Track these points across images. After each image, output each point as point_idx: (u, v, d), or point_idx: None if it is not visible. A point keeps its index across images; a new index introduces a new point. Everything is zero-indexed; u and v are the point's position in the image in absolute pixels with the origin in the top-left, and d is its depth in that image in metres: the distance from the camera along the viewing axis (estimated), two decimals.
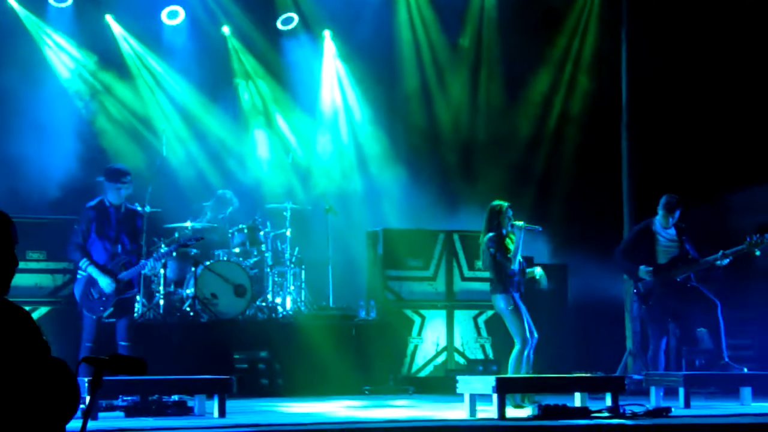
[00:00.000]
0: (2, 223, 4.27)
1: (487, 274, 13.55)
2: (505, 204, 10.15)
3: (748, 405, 10.39)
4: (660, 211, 11.37)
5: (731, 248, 10.95)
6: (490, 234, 10.05)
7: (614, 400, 8.99)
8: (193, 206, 13.63)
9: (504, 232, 10.05)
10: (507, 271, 9.95)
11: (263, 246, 13.40)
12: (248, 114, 15.43)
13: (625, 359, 13.35)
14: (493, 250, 9.98)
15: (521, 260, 10.14)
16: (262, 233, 13.44)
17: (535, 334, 10.04)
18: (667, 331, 11.41)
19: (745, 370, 10.88)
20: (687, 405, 10.03)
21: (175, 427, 8.07)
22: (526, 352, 9.90)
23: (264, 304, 13.16)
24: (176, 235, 12.81)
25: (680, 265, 11.12)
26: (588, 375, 10.09)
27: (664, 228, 11.30)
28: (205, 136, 14.97)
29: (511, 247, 10.05)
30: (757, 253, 10.85)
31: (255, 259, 13.23)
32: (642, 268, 11.26)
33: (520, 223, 10.07)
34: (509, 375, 9.77)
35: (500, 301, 10.03)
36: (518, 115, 16.03)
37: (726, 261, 10.93)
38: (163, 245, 12.19)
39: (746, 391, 10.51)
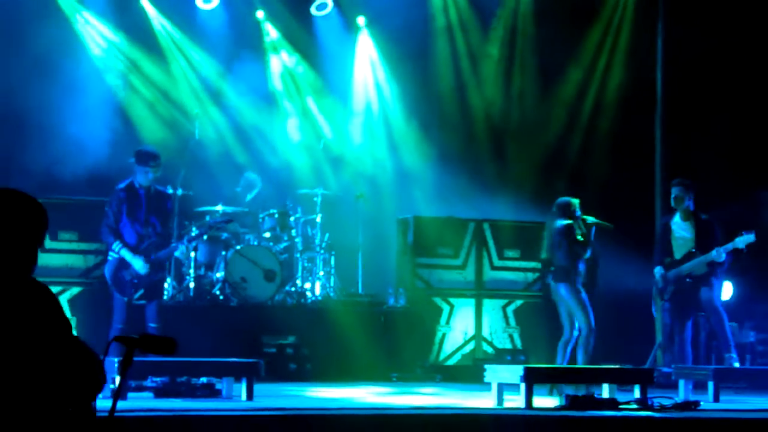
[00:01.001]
0: (26, 208, 4.30)
1: (516, 264, 13.90)
2: (576, 201, 10.47)
3: None
4: (673, 199, 11.29)
5: (725, 245, 10.87)
6: (567, 221, 10.27)
7: (643, 392, 8.98)
8: (224, 190, 13.67)
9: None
10: (579, 259, 10.20)
11: (293, 231, 13.45)
12: (281, 99, 15.47)
13: (654, 352, 13.23)
14: (568, 237, 10.22)
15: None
16: (292, 218, 13.49)
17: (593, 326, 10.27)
18: (691, 324, 11.34)
19: (736, 364, 10.82)
20: (716, 399, 10.00)
21: (203, 409, 8.14)
22: (588, 341, 10.19)
23: (293, 289, 13.22)
24: (207, 218, 12.87)
25: (687, 260, 11.07)
26: (617, 367, 10.06)
27: (682, 220, 11.22)
28: (237, 120, 15.01)
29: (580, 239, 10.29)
30: (742, 247, 10.74)
31: (285, 244, 13.29)
32: (656, 269, 11.25)
33: (591, 218, 10.38)
34: (569, 363, 10.10)
35: (565, 290, 10.28)
36: (551, 104, 15.97)
37: (723, 257, 10.83)
38: (194, 228, 12.25)
39: None
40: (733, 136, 15.73)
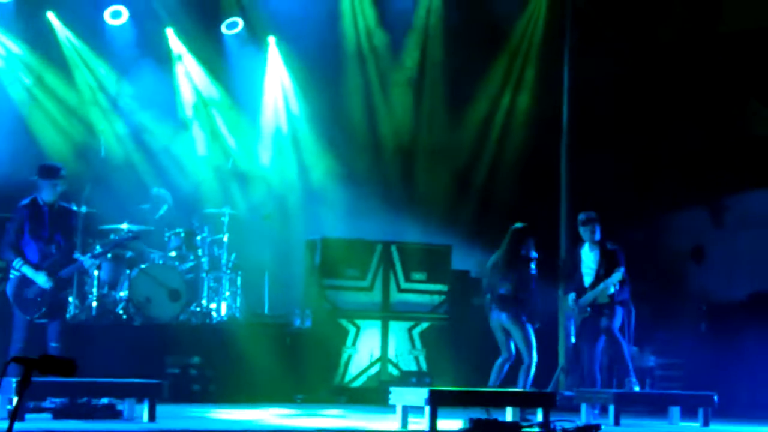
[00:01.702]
0: None
1: (423, 286, 13.96)
2: (531, 227, 10.82)
3: (676, 424, 10.54)
4: (580, 231, 11.53)
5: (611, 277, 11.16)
6: (535, 254, 10.57)
7: (545, 415, 9.06)
8: (129, 208, 13.49)
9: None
10: (528, 289, 10.50)
11: (200, 251, 13.35)
12: (189, 118, 15.33)
13: (557, 375, 13.44)
14: (522, 267, 10.49)
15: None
16: (199, 238, 13.39)
17: (513, 353, 10.62)
18: (599, 349, 11.52)
19: (636, 388, 11.05)
20: (617, 423, 10.15)
21: (102, 431, 7.99)
22: (529, 370, 10.50)
23: (198, 309, 13.12)
24: (112, 236, 12.71)
25: (591, 289, 11.32)
26: (520, 390, 10.16)
27: (590, 250, 11.44)
28: (144, 137, 14.86)
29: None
30: (615, 282, 11.13)
31: (191, 264, 13.18)
32: (570, 296, 11.48)
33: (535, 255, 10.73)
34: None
35: (519, 317, 10.51)
36: (460, 129, 16.09)
37: (612, 290, 11.12)
38: (98, 246, 12.07)
39: (675, 411, 10.66)
40: (635, 163, 16.05)
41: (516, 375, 10.62)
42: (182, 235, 13.24)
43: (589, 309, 11.28)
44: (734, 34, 14.32)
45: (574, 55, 14.60)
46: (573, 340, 12.68)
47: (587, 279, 11.42)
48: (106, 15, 14.54)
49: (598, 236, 11.37)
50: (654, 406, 11.96)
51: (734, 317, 14.36)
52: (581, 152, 14.73)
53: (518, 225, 10.81)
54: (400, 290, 13.93)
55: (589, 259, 11.45)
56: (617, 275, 11.08)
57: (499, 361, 10.68)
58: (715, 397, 10.49)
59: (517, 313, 10.51)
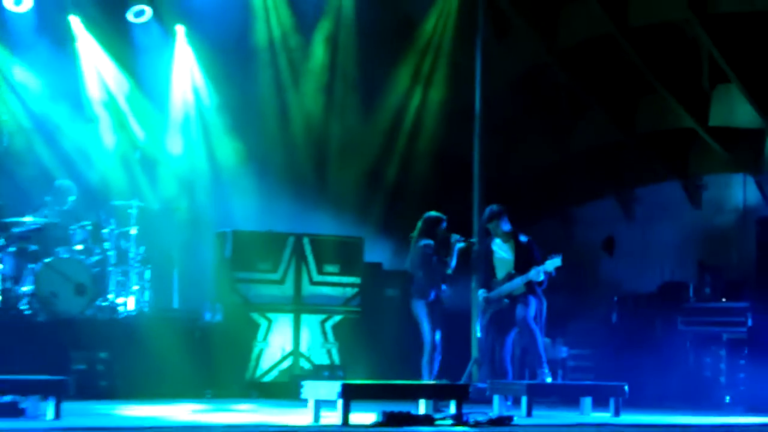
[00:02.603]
0: None
1: (335, 279, 13.94)
2: (443, 217, 11.05)
3: (588, 414, 10.61)
4: (489, 226, 11.55)
5: (541, 265, 11.20)
6: (428, 241, 10.76)
7: (458, 407, 9.05)
8: (33, 201, 13.21)
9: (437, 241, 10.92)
10: (438, 277, 10.74)
11: (107, 244, 13.15)
12: (96, 107, 15.05)
13: (470, 368, 13.45)
14: (431, 252, 10.79)
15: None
16: (106, 231, 13.20)
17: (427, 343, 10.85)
18: (510, 341, 11.56)
19: (548, 380, 11.14)
20: (529, 414, 10.19)
21: (4, 430, 7.76)
22: (432, 358, 10.79)
23: (105, 303, 12.93)
24: (14, 230, 12.44)
25: (506, 280, 11.33)
26: (433, 383, 10.15)
27: (502, 242, 11.44)
28: (48, 127, 14.56)
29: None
30: (551, 270, 11.17)
31: (98, 258, 12.98)
32: (480, 291, 11.50)
33: (456, 236, 11.01)
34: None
35: (417, 307, 10.81)
36: (373, 119, 16.09)
37: (542, 277, 11.18)
38: (1, 239, 11.78)
39: (587, 401, 10.74)
40: (547, 156, 16.20)
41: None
42: (89, 228, 13.01)
43: (506, 301, 11.27)
44: (644, 28, 14.50)
45: (487, 48, 14.65)
46: (479, 334, 12.73)
47: (500, 271, 11.40)
48: (7, 2, 14.15)
49: (507, 227, 11.38)
50: (566, 397, 12.02)
51: (644, 308, 14.55)
52: (493, 145, 14.79)
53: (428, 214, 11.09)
54: (313, 283, 13.88)
55: (502, 251, 11.45)
56: (555, 261, 11.02)
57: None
58: (626, 388, 10.58)
59: (413, 301, 10.82)
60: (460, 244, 11.14)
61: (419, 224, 11.22)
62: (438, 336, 11.12)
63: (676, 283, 14.83)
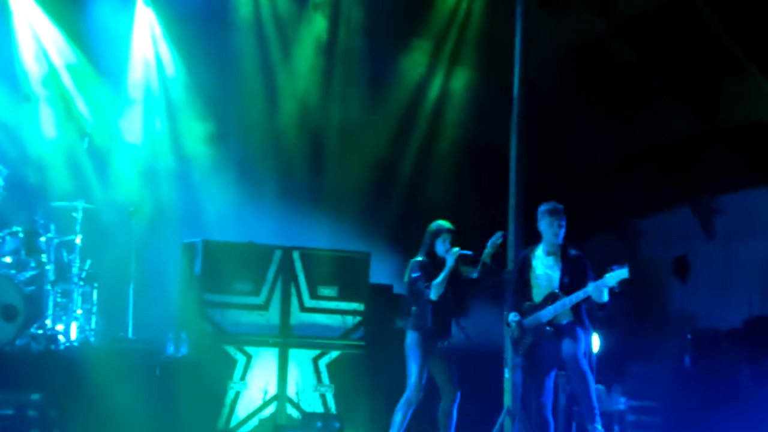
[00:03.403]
0: None
1: (332, 304, 13.84)
2: (445, 225, 10.95)
3: None
4: (542, 226, 11.38)
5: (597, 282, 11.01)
6: (417, 259, 10.81)
7: None
8: None
9: (438, 259, 10.91)
10: (425, 303, 10.72)
11: (44, 256, 13.20)
12: (33, 83, 15.12)
13: (501, 421, 13.41)
14: (414, 273, 10.79)
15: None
16: (43, 239, 13.25)
17: (457, 392, 10.91)
18: (551, 385, 11.45)
19: None
20: None
21: None
22: (407, 406, 10.74)
23: (41, 331, 12.95)
24: None
25: (549, 303, 11.16)
26: None
27: (546, 254, 11.29)
28: None
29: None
30: (613, 284, 10.90)
31: (32, 273, 13.04)
32: (510, 315, 11.33)
33: (455, 249, 10.88)
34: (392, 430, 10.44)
35: (408, 339, 10.85)
36: (382, 106, 16.18)
37: (606, 297, 10.95)
38: None
39: None
40: (604, 154, 16.15)
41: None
42: (21, 235, 13.07)
43: (549, 329, 11.11)
44: None
45: (528, 18, 14.64)
46: (507, 374, 12.62)
47: (539, 292, 11.25)
48: None
49: (560, 236, 11.25)
50: None
51: (726, 348, 14.50)
52: (535, 138, 14.74)
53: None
54: (304, 309, 13.82)
55: (545, 266, 11.31)
56: (621, 273, 10.82)
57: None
58: None
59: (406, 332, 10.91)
60: (452, 257, 10.95)
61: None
62: (452, 380, 10.95)
63: (766, 318, 14.76)
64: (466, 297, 11.30)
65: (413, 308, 10.84)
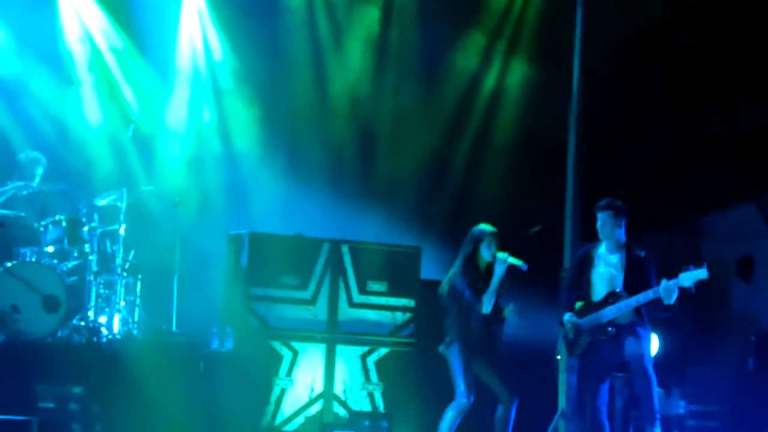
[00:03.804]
0: None
1: (382, 300, 13.84)
2: (488, 229, 10.73)
3: None
4: (598, 225, 11.22)
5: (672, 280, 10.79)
6: (458, 270, 10.72)
7: None
8: None
9: (482, 265, 10.73)
10: (470, 314, 10.62)
11: (87, 246, 13.22)
12: (78, 68, 15.16)
13: (555, 423, 13.37)
14: (461, 288, 10.61)
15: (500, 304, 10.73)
16: (86, 229, 13.28)
17: (514, 397, 10.81)
18: (607, 388, 11.33)
19: None
20: None
21: None
22: (455, 417, 10.70)
23: (83, 323, 12.96)
24: None
25: (610, 303, 10.99)
26: None
27: (609, 252, 11.14)
28: (14, 92, 14.69)
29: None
30: (689, 285, 10.66)
31: (75, 263, 13.06)
32: (566, 315, 11.18)
33: (503, 255, 10.60)
34: None
35: (451, 352, 10.77)
36: (435, 100, 16.18)
37: (674, 297, 10.73)
38: None
39: None
40: (666, 148, 15.99)
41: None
42: (63, 224, 13.08)
43: (611, 329, 10.95)
44: None
45: (589, 5, 14.59)
46: (562, 372, 12.49)
47: (599, 291, 11.10)
48: None
49: (623, 234, 11.09)
50: None
51: None
52: (595, 131, 14.68)
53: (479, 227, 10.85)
54: (353, 305, 13.82)
55: (607, 264, 11.15)
56: (699, 273, 10.61)
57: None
58: None
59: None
60: (503, 266, 10.77)
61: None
62: (507, 385, 10.85)
63: None
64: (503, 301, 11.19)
65: (454, 318, 10.72)
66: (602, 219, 11.15)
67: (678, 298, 10.70)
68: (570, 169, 14.41)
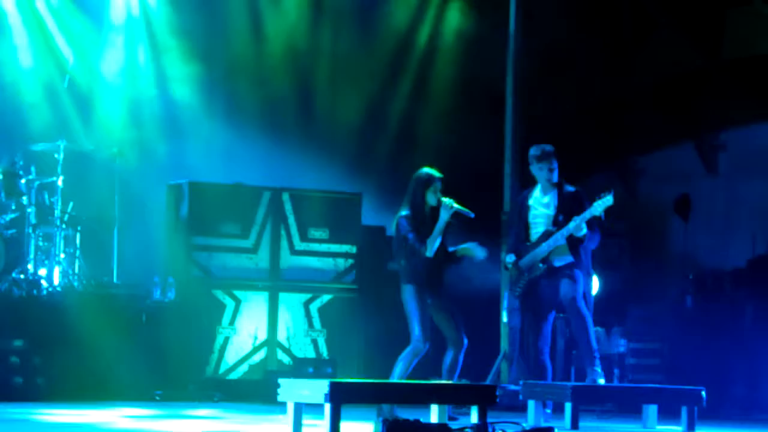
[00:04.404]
0: None
1: (324, 247, 13.94)
2: (436, 174, 10.55)
3: (653, 427, 10.54)
4: (533, 170, 11.31)
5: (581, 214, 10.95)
6: (405, 212, 10.47)
7: (482, 415, 8.97)
8: None
9: (427, 210, 10.51)
10: (421, 256, 10.39)
11: (24, 198, 13.14)
12: (10, 16, 14.86)
13: (497, 364, 13.50)
14: (404, 231, 10.39)
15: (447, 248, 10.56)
16: (23, 181, 13.18)
17: (465, 340, 10.51)
18: (549, 329, 11.45)
19: (601, 381, 10.93)
20: (575, 425, 10.12)
21: None
22: (411, 357, 10.40)
23: (22, 276, 12.91)
24: None
25: (543, 241, 11.12)
26: (449, 383, 10.09)
27: (543, 194, 11.25)
28: None
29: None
30: (599, 213, 10.83)
31: (12, 216, 12.99)
32: (508, 257, 11.29)
33: (448, 200, 10.44)
34: (394, 379, 10.12)
35: (404, 293, 10.50)
36: (373, 41, 16.10)
37: (584, 230, 10.89)
38: None
39: (651, 410, 10.65)
40: (600, 90, 16.10)
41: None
42: (0, 177, 12.94)
43: (542, 266, 11.07)
44: None
45: None
46: (504, 318, 12.61)
47: (537, 232, 11.23)
48: None
49: (555, 177, 11.21)
50: (624, 404, 12.00)
51: (729, 289, 14.47)
52: (533, 73, 14.72)
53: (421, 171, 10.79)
54: (295, 252, 13.89)
55: (541, 205, 11.27)
56: (606, 200, 10.75)
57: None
58: (704, 393, 10.49)
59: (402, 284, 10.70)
60: (448, 211, 10.69)
61: (409, 185, 10.80)
62: (458, 329, 10.80)
63: None
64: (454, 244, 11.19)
65: (403, 261, 10.72)
66: (537, 167, 11.25)
67: (606, 235, 10.93)
68: (508, 113, 14.41)
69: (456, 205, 10.50)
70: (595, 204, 10.76)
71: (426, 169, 10.63)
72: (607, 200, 10.73)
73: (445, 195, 10.73)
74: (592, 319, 11.05)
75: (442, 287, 10.62)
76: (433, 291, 10.51)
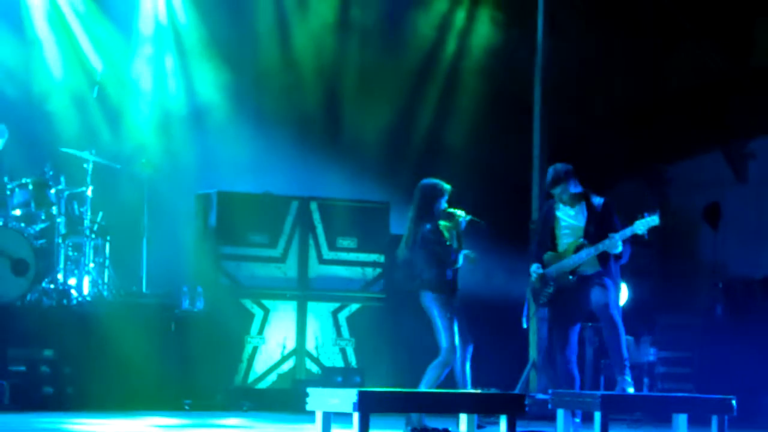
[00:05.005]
0: None
1: (352, 256, 13.94)
2: (446, 187, 10.60)
3: None
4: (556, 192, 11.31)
5: (621, 231, 10.91)
6: (428, 227, 10.52)
7: (511, 425, 8.96)
8: None
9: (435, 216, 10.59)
10: (445, 266, 10.45)
11: (54, 208, 13.16)
12: (38, 26, 14.97)
13: (526, 373, 13.47)
14: (434, 243, 10.47)
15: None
16: (53, 191, 13.19)
17: (471, 344, 10.56)
18: (576, 338, 11.42)
19: (630, 390, 10.91)
20: None
21: None
22: (441, 368, 10.38)
23: (52, 286, 12.95)
24: None
25: (573, 252, 11.08)
26: (479, 392, 10.08)
27: (569, 206, 11.21)
28: None
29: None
30: (643, 232, 10.77)
31: (42, 226, 13.02)
32: (533, 266, 11.26)
33: (462, 212, 10.52)
34: (423, 389, 10.09)
35: (429, 300, 10.53)
36: (401, 52, 16.12)
37: (619, 247, 10.85)
38: None
39: (681, 419, 10.59)
40: (629, 98, 16.06)
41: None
42: (30, 186, 12.99)
43: (571, 278, 11.04)
44: None
45: None
46: (525, 324, 12.58)
47: (564, 242, 11.20)
48: None
49: (577, 188, 11.17)
50: (654, 413, 11.92)
51: (759, 297, 14.43)
52: (562, 83, 14.72)
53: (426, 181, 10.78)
54: (323, 261, 13.93)
55: (569, 216, 11.24)
56: (651, 220, 10.68)
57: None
58: (734, 402, 10.43)
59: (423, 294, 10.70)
60: (464, 222, 10.69)
61: (415, 196, 10.80)
62: (466, 333, 10.80)
63: None
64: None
65: (434, 271, 10.68)
66: (556, 192, 11.21)
67: (638, 246, 10.86)
68: (536, 123, 14.40)
69: (467, 216, 10.57)
70: (638, 222, 10.63)
71: (434, 180, 10.66)
72: (653, 220, 10.60)
73: (464, 206, 10.78)
74: (623, 327, 11.01)
75: (456, 291, 10.72)
76: (454, 299, 10.57)
